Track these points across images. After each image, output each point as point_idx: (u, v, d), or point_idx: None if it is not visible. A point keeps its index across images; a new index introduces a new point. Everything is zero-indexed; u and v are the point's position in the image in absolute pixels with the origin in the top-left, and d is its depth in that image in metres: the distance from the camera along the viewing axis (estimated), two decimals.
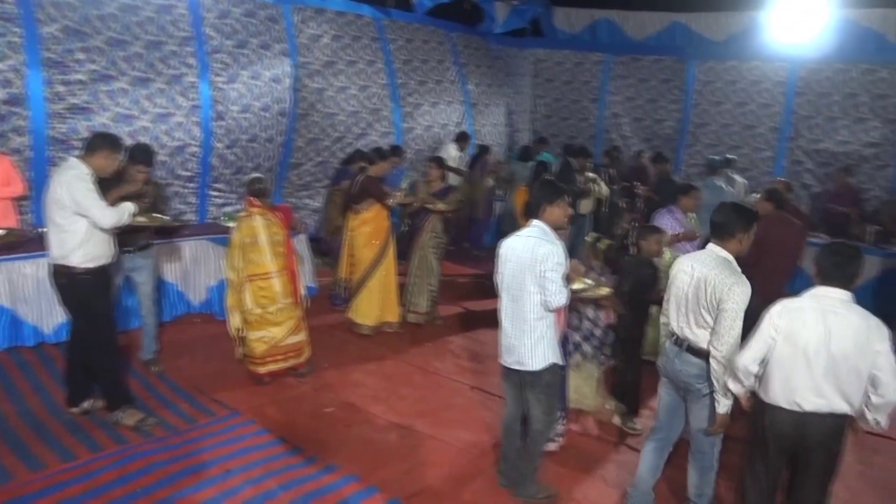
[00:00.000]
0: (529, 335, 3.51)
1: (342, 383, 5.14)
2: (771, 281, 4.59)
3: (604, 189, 7.74)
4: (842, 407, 2.93)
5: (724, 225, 3.34)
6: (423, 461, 4.15)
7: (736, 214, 3.36)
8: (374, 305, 6.09)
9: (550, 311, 3.48)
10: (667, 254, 5.10)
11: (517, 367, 3.59)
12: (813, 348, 2.90)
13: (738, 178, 8.46)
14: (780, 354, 2.97)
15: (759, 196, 5.84)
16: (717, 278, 3.20)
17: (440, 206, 6.18)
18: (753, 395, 3.14)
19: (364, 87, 8.51)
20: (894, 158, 8.79)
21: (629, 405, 4.68)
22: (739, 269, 3.27)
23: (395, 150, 7.40)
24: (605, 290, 3.91)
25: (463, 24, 10.40)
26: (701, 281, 3.26)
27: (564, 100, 11.14)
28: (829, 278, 2.96)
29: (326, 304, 6.69)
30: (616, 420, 4.68)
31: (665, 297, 3.59)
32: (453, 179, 8.15)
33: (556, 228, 3.55)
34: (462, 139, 9.20)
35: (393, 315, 6.23)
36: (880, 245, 7.45)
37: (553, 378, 3.62)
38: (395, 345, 5.97)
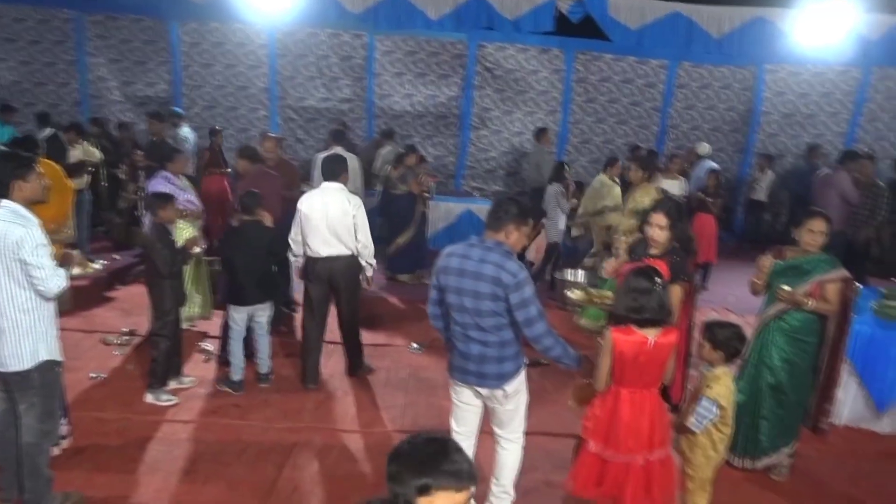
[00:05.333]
0: (12, 331, 3.12)
1: None
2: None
3: (96, 155, 7.58)
4: (345, 251, 4.81)
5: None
6: None
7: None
8: None
9: (49, 298, 3.20)
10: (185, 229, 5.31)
11: (2, 370, 3.18)
12: (320, 217, 4.71)
13: (188, 131, 9.01)
14: (305, 225, 4.75)
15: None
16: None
17: None
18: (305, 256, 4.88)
19: None
20: (366, 112, 10.24)
21: (160, 377, 4.67)
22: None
23: None
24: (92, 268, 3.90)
25: None
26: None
27: (35, 63, 9.97)
28: (328, 176, 4.84)
29: None
30: (148, 397, 4.63)
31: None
32: None
33: (35, 203, 3.29)
34: None
35: None
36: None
37: (47, 378, 3.25)
38: None
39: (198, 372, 5.08)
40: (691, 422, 3.14)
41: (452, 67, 10.17)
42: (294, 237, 4.87)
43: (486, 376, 3.16)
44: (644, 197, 6.00)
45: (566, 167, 7.83)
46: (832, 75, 10.26)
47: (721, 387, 3.16)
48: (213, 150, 8.10)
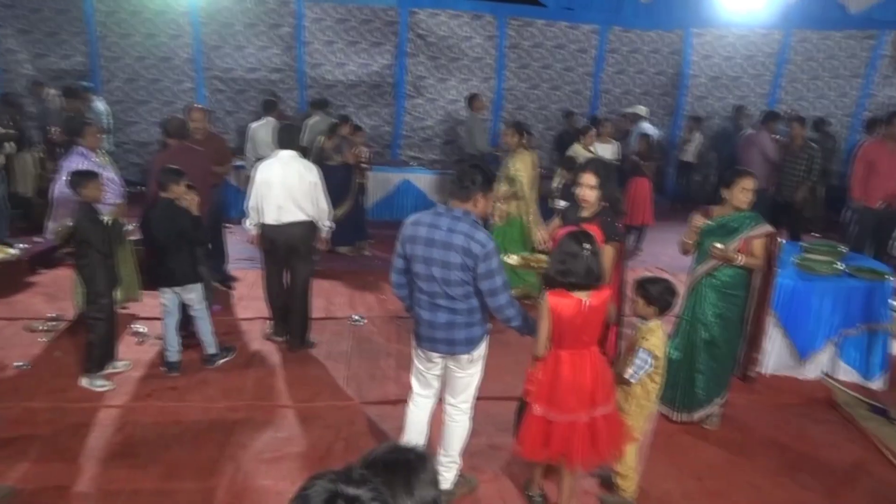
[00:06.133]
0: None
1: None
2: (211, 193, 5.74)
3: (11, 135, 7.17)
4: (303, 217, 4.92)
5: None
6: None
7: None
8: None
9: None
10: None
11: None
12: (279, 184, 4.80)
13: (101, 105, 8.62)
14: (263, 193, 4.83)
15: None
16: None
17: None
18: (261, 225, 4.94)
19: None
20: (298, 82, 9.94)
21: (98, 361, 4.50)
22: None
23: None
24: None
25: None
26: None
27: None
28: (284, 145, 4.94)
29: None
30: (83, 382, 4.48)
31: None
32: None
33: None
34: None
35: None
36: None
37: None
38: None
39: (131, 355, 4.92)
40: (630, 373, 3.24)
41: (384, 35, 10.00)
42: (252, 206, 4.91)
43: (456, 342, 3.19)
44: (519, 163, 6.07)
45: (525, 134, 7.81)
46: (755, 38, 10.55)
47: (655, 338, 3.28)
48: None
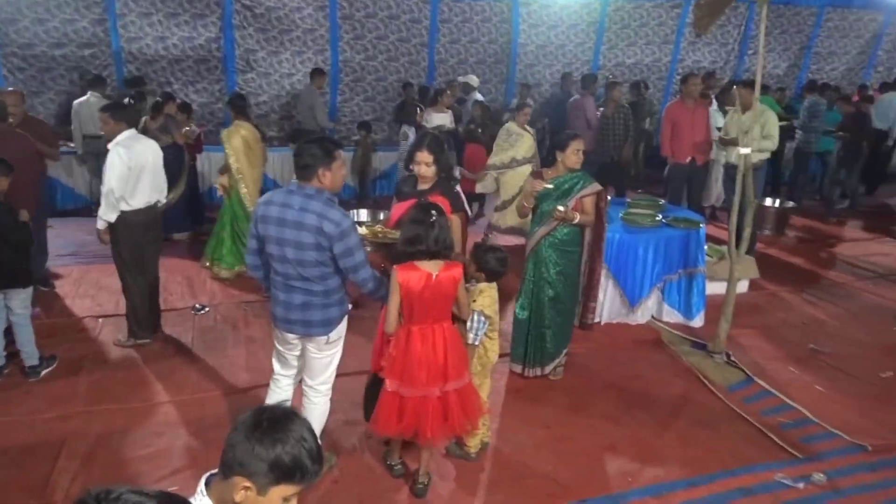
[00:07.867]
0: None
1: None
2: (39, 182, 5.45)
3: None
4: (161, 196, 4.89)
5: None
6: None
7: None
8: None
9: None
10: None
11: None
12: (149, 167, 4.66)
13: None
14: (133, 177, 4.55)
15: None
16: None
17: None
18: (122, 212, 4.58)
19: None
20: (114, 58, 9.20)
21: None
22: None
23: None
24: None
25: None
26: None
27: None
28: (133, 124, 4.71)
29: None
30: None
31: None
32: None
33: None
34: None
35: None
36: None
37: None
38: None
39: None
40: (470, 338, 3.34)
41: (208, 6, 9.39)
42: (119, 195, 4.50)
43: (312, 324, 3.12)
44: (227, 136, 6.07)
45: (419, 110, 7.69)
46: (577, 7, 11.09)
47: (485, 298, 3.40)
48: None
